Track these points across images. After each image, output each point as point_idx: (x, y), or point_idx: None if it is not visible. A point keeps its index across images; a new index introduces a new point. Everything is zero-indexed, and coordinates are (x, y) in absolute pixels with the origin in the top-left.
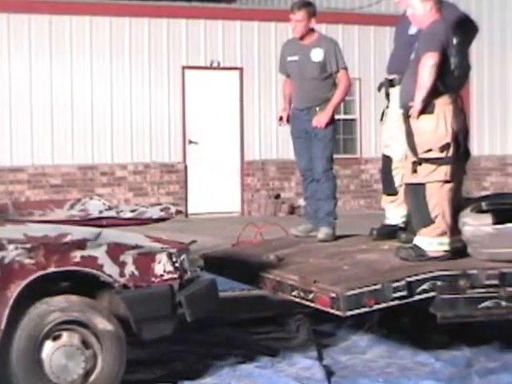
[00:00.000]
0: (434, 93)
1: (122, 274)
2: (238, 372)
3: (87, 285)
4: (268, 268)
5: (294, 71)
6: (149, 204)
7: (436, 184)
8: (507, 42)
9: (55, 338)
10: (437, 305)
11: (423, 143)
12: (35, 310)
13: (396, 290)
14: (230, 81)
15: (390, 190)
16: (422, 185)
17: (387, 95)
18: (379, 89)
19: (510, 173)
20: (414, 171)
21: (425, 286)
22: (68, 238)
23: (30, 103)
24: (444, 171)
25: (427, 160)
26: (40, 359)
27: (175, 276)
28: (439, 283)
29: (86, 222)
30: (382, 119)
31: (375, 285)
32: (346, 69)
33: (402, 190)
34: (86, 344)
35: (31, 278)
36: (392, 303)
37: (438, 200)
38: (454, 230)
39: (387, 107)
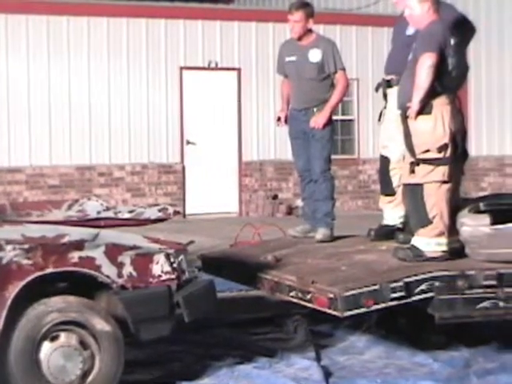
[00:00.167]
0: (431, 93)
1: (119, 275)
2: (236, 373)
3: (85, 285)
4: (266, 269)
5: (292, 72)
6: (147, 205)
7: (434, 184)
8: (505, 42)
9: (53, 339)
10: (435, 305)
11: (421, 144)
12: (33, 310)
13: (394, 290)
14: (227, 81)
15: (388, 190)
16: (420, 185)
17: (385, 96)
18: (377, 89)
19: (507, 173)
20: (412, 172)
21: (423, 287)
22: (66, 239)
23: (28, 104)
24: (442, 172)
25: (425, 160)
26: (38, 360)
27: (173, 277)
28: (437, 284)
29: (84, 222)
30: (379, 120)
31: (373, 285)
32: (343, 69)
33: (399, 191)
34: (83, 345)
35: (29, 278)
36: (390, 304)
37: (435, 200)
38: (452, 230)
39: (385, 108)
